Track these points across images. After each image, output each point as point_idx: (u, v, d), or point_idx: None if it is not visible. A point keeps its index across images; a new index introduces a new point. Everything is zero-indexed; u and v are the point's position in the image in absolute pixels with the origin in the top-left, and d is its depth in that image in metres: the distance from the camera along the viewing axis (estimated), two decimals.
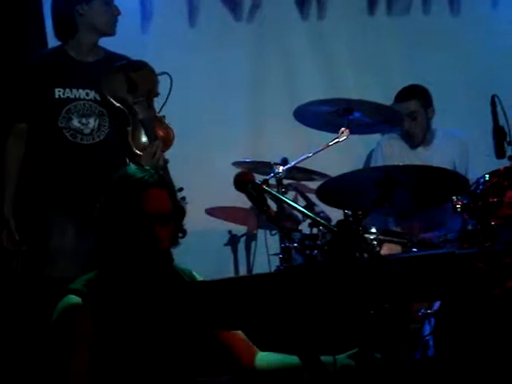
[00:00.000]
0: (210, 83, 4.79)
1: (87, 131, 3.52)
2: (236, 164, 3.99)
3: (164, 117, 3.59)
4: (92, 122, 3.52)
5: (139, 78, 3.52)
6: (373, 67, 4.98)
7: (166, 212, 2.37)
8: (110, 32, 3.60)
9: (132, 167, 2.48)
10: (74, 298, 2.32)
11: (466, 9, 5.09)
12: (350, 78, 4.92)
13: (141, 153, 3.45)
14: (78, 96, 3.52)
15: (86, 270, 2.46)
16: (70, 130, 3.50)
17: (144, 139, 3.48)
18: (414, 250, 3.40)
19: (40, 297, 3.21)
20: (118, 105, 3.50)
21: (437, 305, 3.06)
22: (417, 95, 4.47)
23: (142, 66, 3.57)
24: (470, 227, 3.30)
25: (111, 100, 3.49)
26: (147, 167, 2.48)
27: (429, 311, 3.08)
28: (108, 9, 3.56)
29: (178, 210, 2.45)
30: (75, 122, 3.50)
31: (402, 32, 5.05)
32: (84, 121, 3.51)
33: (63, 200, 3.50)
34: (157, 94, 3.56)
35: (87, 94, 3.53)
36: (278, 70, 4.93)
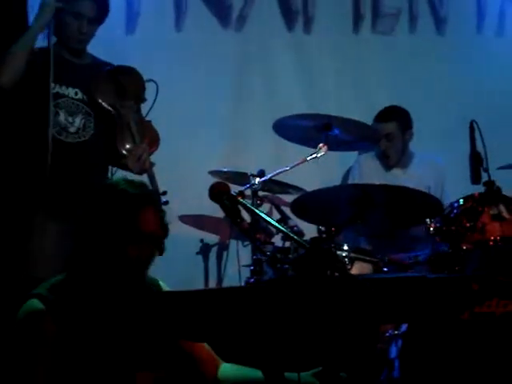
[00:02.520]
0: (192, 89, 4.77)
1: (73, 130, 3.53)
2: (213, 173, 3.98)
3: (150, 121, 3.63)
4: (78, 121, 3.53)
5: (128, 83, 3.59)
6: (355, 84, 5.00)
7: (158, 232, 2.34)
8: (75, 46, 3.59)
9: (123, 180, 2.41)
10: (37, 303, 2.28)
11: (451, 30, 5.13)
12: (332, 94, 4.93)
13: (127, 154, 3.48)
14: (66, 93, 3.54)
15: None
16: (56, 126, 3.49)
17: (130, 142, 3.52)
18: (385, 269, 3.40)
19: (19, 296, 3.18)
20: (108, 107, 3.54)
21: (404, 326, 3.06)
22: (396, 117, 4.47)
23: (130, 72, 3.62)
24: (440, 250, 3.31)
25: (101, 103, 3.53)
26: (137, 181, 2.44)
27: (396, 332, 3.08)
28: (75, 23, 3.54)
29: (164, 230, 2.41)
30: (62, 119, 3.51)
31: (385, 51, 5.07)
32: (70, 119, 3.52)
33: (45, 199, 3.47)
34: (144, 100, 3.63)
35: (76, 93, 3.55)
36: (261, 81, 4.93)
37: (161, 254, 2.41)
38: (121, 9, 4.75)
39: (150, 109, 3.62)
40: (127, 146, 3.52)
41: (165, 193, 3.39)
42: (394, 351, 3.04)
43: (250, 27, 4.93)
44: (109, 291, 2.33)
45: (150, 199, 2.36)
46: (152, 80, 3.61)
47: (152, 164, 3.51)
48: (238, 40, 4.94)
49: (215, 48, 4.87)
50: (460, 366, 2.85)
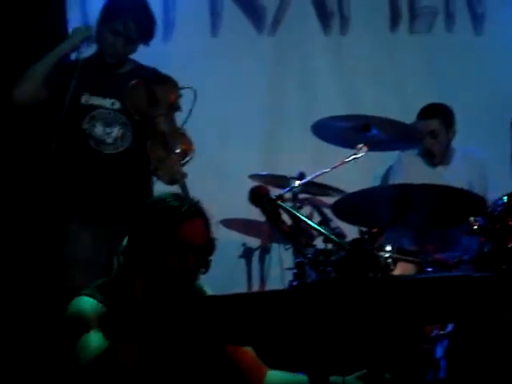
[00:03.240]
0: (229, 94, 4.79)
1: (110, 141, 3.54)
2: (253, 177, 3.98)
3: (185, 130, 3.60)
4: (115, 131, 3.55)
5: (161, 92, 3.55)
6: (393, 85, 4.97)
7: (198, 244, 2.36)
8: (109, 61, 3.61)
9: (171, 194, 2.47)
10: (87, 299, 2.34)
11: (489, 29, 5.07)
12: (369, 95, 4.90)
13: (158, 164, 3.46)
14: (102, 104, 3.56)
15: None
16: (94, 138, 3.52)
17: (162, 152, 3.48)
18: (429, 269, 3.37)
19: (55, 306, 3.22)
20: (137, 117, 3.53)
21: (450, 326, 3.03)
22: (440, 114, 4.45)
23: (165, 80, 3.60)
24: (486, 249, 3.27)
25: (132, 112, 3.53)
26: (184, 196, 2.48)
27: (442, 332, 3.05)
28: (110, 38, 3.56)
29: (211, 244, 2.43)
30: (99, 131, 3.54)
31: (423, 50, 5.04)
32: (108, 130, 3.54)
33: (82, 209, 3.52)
34: (178, 109, 3.59)
35: (112, 104, 3.56)
36: (297, 83, 4.92)
37: (206, 269, 2.42)
38: (157, 16, 4.78)
39: (188, 117, 3.57)
40: (159, 156, 3.48)
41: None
42: (439, 351, 3.01)
43: (285, 30, 4.93)
44: (152, 298, 2.34)
45: (192, 213, 2.37)
46: (190, 87, 3.57)
47: (184, 175, 3.46)
48: (273, 43, 4.94)
49: (251, 52, 4.88)
50: (507, 365, 2.81)
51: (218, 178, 4.58)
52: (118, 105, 3.56)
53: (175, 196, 2.44)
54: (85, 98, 3.55)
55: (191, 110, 3.55)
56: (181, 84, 3.63)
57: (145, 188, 3.61)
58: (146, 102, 3.52)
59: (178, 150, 3.48)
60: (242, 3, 4.89)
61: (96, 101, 3.55)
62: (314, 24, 4.98)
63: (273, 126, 4.87)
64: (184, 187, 3.41)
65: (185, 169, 3.52)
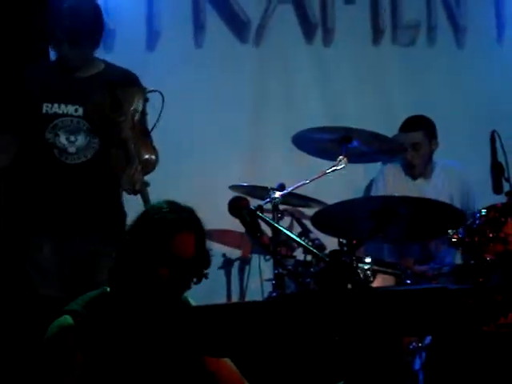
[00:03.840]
0: (212, 104, 4.78)
1: (72, 150, 3.40)
2: (233, 188, 3.98)
3: (150, 138, 3.47)
4: (80, 140, 3.41)
5: (125, 96, 3.38)
6: (375, 97, 4.99)
7: (190, 256, 2.35)
8: (74, 64, 3.45)
9: (167, 202, 2.43)
10: (68, 319, 2.31)
11: (471, 41, 5.11)
12: (351, 107, 4.92)
13: (120, 173, 3.31)
14: (64, 111, 3.41)
15: (66, 290, 2.42)
16: (57, 147, 3.40)
17: (124, 160, 3.31)
18: (408, 281, 3.38)
19: (20, 313, 3.20)
20: (99, 123, 3.38)
21: (428, 339, 3.04)
22: (423, 126, 4.45)
23: (130, 83, 3.44)
24: (464, 261, 3.28)
25: (93, 118, 3.38)
26: (181, 205, 2.44)
27: (420, 345, 3.06)
28: (59, 45, 3.41)
29: (203, 257, 2.41)
30: (62, 139, 3.40)
31: (405, 63, 5.06)
32: (72, 138, 3.40)
33: (44, 220, 3.42)
34: (141, 113, 3.41)
35: (76, 110, 3.41)
36: (279, 94, 4.93)
37: (199, 280, 2.41)
38: (141, 26, 4.79)
39: (157, 121, 3.40)
40: (121, 165, 3.32)
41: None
42: (418, 364, 3.02)
43: (269, 41, 4.94)
44: (139, 310, 2.34)
45: (185, 224, 2.36)
46: (156, 90, 3.39)
47: (146, 184, 3.30)
48: (256, 54, 4.95)
49: (234, 63, 4.88)
50: (484, 377, 2.82)
51: (199, 188, 4.56)
52: (80, 111, 3.41)
53: (170, 205, 2.40)
54: (45, 107, 3.41)
55: (160, 114, 3.38)
56: (148, 88, 3.46)
57: (112, 200, 3.48)
58: (108, 107, 3.34)
59: (140, 158, 3.32)
60: (225, 15, 4.89)
61: (58, 109, 3.41)
62: (298, 35, 4.99)
63: (255, 137, 4.87)
64: (146, 197, 3.26)
65: (157, 178, 3.41)
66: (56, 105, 3.41)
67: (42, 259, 3.39)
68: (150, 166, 3.37)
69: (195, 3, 4.85)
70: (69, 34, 3.38)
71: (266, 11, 4.90)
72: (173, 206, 2.41)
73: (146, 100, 3.41)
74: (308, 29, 4.99)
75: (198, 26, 4.86)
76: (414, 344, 3.07)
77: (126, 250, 2.37)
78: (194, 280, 2.41)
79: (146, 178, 3.35)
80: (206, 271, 2.42)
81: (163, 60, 4.76)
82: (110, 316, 2.33)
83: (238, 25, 4.91)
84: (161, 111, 3.38)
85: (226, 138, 4.76)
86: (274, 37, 4.95)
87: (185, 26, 4.88)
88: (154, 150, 3.42)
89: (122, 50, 4.52)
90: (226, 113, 4.79)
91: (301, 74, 4.97)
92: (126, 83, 3.42)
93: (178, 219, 2.35)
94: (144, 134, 3.43)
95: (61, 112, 3.41)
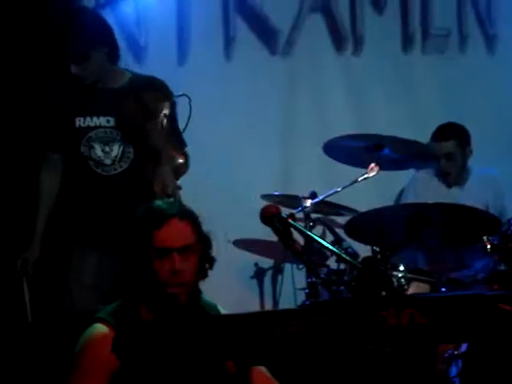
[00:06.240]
0: (242, 116, 4.80)
1: (108, 162, 3.44)
2: (265, 197, 3.98)
3: (183, 140, 3.47)
4: (116, 150, 3.44)
5: (153, 102, 3.39)
6: (406, 105, 4.97)
7: (186, 244, 2.34)
8: (88, 82, 3.44)
9: (155, 201, 2.46)
10: (101, 328, 2.32)
11: (502, 49, 5.07)
12: (382, 115, 4.90)
13: (152, 178, 3.31)
14: (98, 124, 3.43)
15: (106, 303, 2.43)
16: (93, 159, 3.43)
17: (154, 165, 3.32)
18: (443, 289, 3.35)
19: (57, 327, 3.21)
20: (130, 131, 3.40)
21: (464, 346, 3.01)
22: (455, 135, 4.39)
23: (157, 88, 3.45)
24: (500, 268, 3.25)
25: (125, 127, 3.40)
26: (169, 199, 2.46)
27: (456, 352, 3.02)
28: (73, 69, 3.41)
29: (203, 241, 2.42)
30: (98, 151, 3.43)
31: (436, 71, 5.03)
32: (107, 148, 3.43)
33: (85, 232, 3.47)
34: (173, 117, 3.41)
35: (108, 121, 3.44)
36: (310, 104, 4.93)
37: (210, 265, 2.40)
38: (172, 40, 4.83)
39: (186, 126, 3.41)
40: (152, 169, 3.32)
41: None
42: (454, 371, 2.99)
43: (299, 51, 4.94)
44: (163, 314, 2.34)
45: (165, 215, 2.34)
46: (184, 94, 3.39)
47: (178, 187, 3.29)
48: (286, 65, 4.95)
49: (264, 74, 4.89)
50: None
51: (230, 198, 4.57)
52: (112, 121, 3.43)
53: (153, 202, 2.41)
54: (78, 121, 3.44)
55: (189, 119, 3.38)
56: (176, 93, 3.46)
57: None
58: (138, 115, 3.37)
59: (172, 163, 3.32)
60: (255, 27, 4.91)
61: (90, 121, 3.43)
62: (328, 45, 4.99)
63: (286, 146, 4.88)
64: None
65: (190, 184, 3.42)
66: (88, 118, 3.44)
67: (84, 272, 3.42)
68: (180, 170, 3.37)
69: (225, 15, 4.87)
70: (66, 54, 3.41)
71: (296, 20, 4.90)
72: (154, 202, 2.42)
73: (174, 104, 3.42)
74: (338, 38, 4.99)
75: (229, 39, 4.89)
76: (449, 351, 3.03)
77: (124, 254, 2.39)
78: (206, 266, 2.40)
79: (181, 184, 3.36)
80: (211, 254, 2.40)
81: (193, 74, 4.79)
82: (133, 324, 2.32)
83: (267, 35, 4.92)
84: (189, 115, 3.38)
85: (258, 148, 4.78)
86: (304, 46, 4.95)
87: (215, 39, 4.91)
88: (183, 154, 3.41)
89: (153, 65, 4.56)
90: (257, 123, 4.81)
91: (331, 84, 4.97)
92: (153, 89, 3.43)
93: (160, 210, 2.35)
94: (174, 138, 3.42)
95: (93, 124, 3.44)
